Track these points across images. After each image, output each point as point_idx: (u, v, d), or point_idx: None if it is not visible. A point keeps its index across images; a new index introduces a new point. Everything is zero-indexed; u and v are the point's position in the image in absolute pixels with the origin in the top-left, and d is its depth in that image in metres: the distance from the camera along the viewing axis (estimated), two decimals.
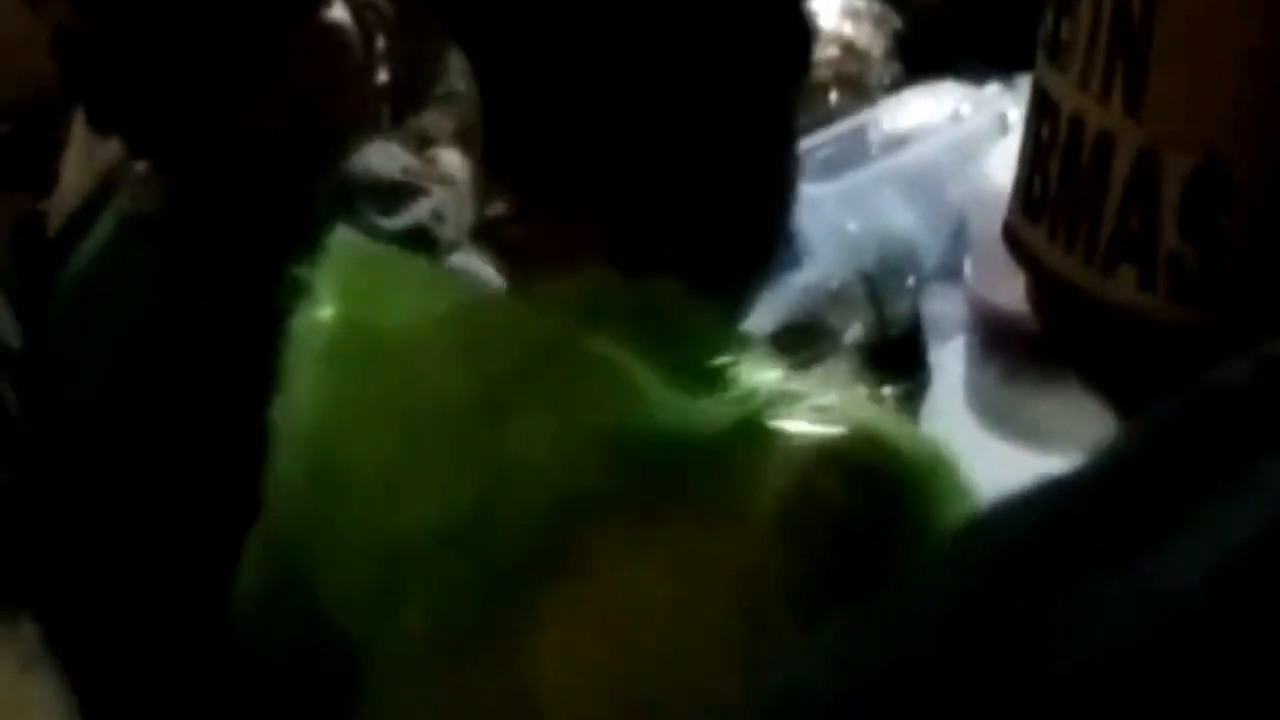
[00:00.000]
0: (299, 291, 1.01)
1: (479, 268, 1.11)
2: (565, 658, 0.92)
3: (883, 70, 1.83)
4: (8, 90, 1.90)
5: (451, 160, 1.62)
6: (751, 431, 0.89)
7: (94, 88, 1.33)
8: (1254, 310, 0.71)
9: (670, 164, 0.97)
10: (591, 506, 0.90)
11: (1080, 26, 0.75)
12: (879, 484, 0.88)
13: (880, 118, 1.73)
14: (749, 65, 0.99)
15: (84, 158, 1.56)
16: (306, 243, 1.30)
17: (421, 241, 1.34)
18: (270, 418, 1.03)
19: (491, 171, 1.02)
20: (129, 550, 1.29)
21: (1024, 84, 0.93)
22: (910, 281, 1.52)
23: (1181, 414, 0.46)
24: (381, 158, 1.44)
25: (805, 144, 1.31)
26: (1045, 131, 0.77)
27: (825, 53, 1.75)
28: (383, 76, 1.37)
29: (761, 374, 0.92)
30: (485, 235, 1.15)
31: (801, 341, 1.39)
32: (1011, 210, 0.80)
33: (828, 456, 0.88)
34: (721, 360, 0.92)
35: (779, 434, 0.88)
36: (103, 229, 1.39)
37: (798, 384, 0.93)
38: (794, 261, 1.50)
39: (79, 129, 1.56)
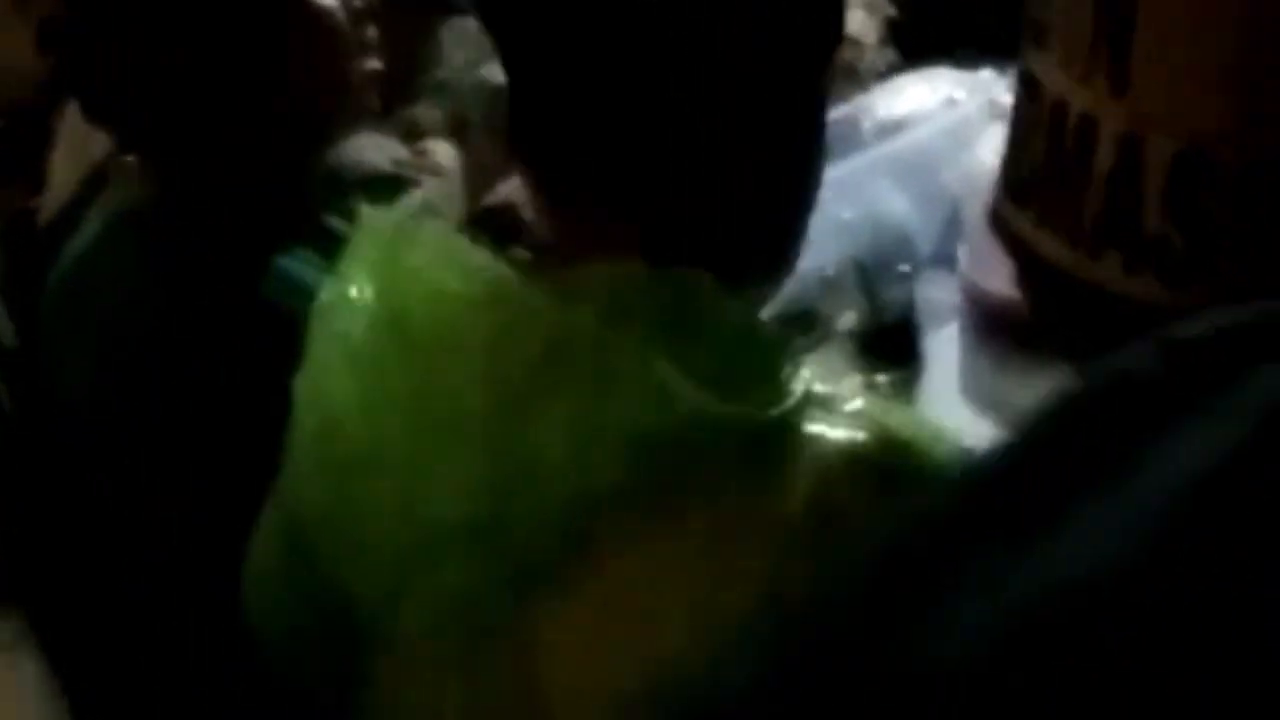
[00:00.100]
0: (328, 269, 1.00)
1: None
2: (576, 656, 0.91)
3: (876, 57, 1.83)
4: (2, 88, 1.90)
5: (442, 151, 1.62)
6: (776, 435, 0.88)
7: (86, 81, 1.33)
8: (1240, 292, 0.71)
9: (698, 155, 0.96)
10: (610, 505, 0.90)
11: (1064, 10, 0.74)
12: (904, 491, 0.87)
13: (874, 104, 1.71)
14: (776, 56, 0.98)
15: (72, 154, 1.56)
16: (297, 235, 1.30)
17: None
18: (289, 394, 1.02)
19: (519, 161, 1.01)
20: (121, 546, 1.29)
21: None
22: (904, 268, 1.51)
23: (1085, 398, 0.46)
24: (372, 149, 1.44)
25: None
26: (1030, 115, 0.77)
27: None
28: (372, 64, 1.37)
29: (790, 374, 0.91)
30: (483, 223, 1.14)
31: (794, 329, 1.39)
32: (997, 194, 0.80)
33: (852, 462, 0.88)
34: (750, 357, 0.91)
35: (803, 438, 0.88)
36: (92, 224, 1.39)
37: (826, 386, 0.92)
38: None
39: (67, 125, 1.56)
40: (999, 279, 1.18)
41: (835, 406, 0.90)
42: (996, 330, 1.46)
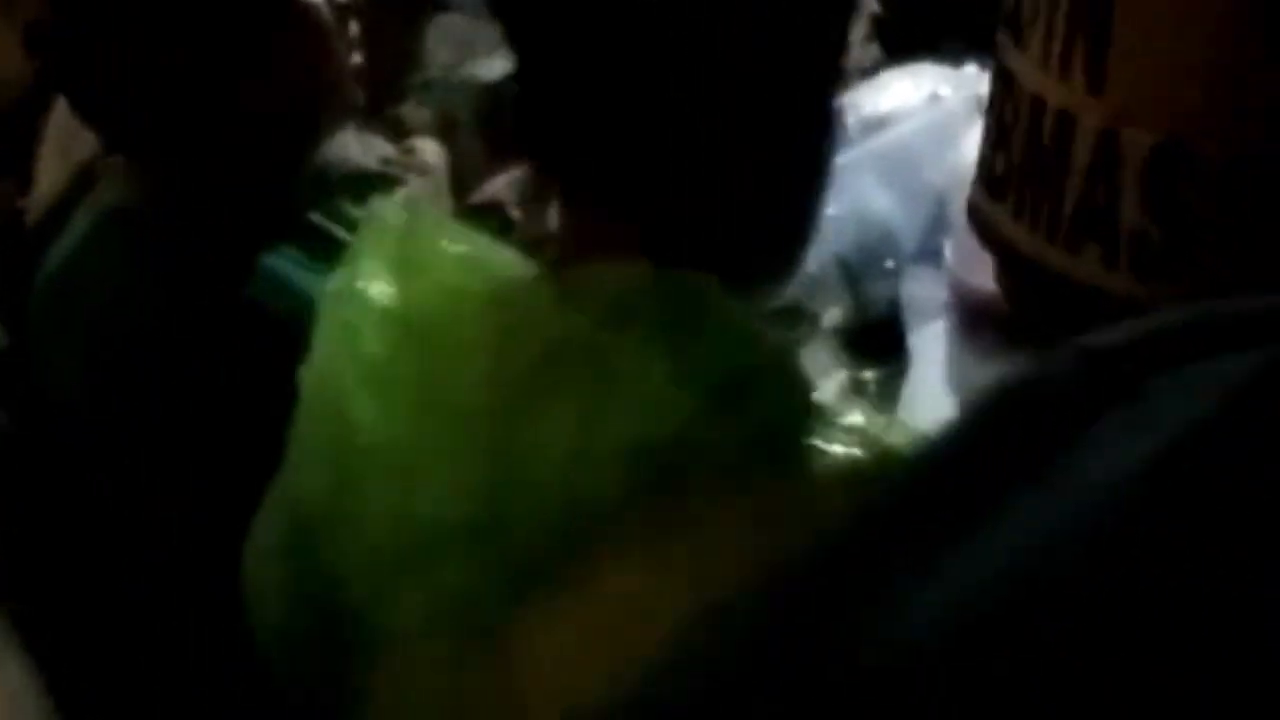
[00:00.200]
0: (341, 258, 1.00)
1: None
2: (559, 663, 0.91)
3: (860, 53, 1.83)
4: None
5: (429, 150, 1.62)
6: (772, 450, 0.88)
7: (73, 81, 1.34)
8: (1219, 287, 0.71)
9: (701, 156, 0.96)
10: (605, 513, 0.89)
11: (1041, 5, 0.75)
12: None
13: (858, 100, 1.72)
14: (780, 56, 0.97)
15: (60, 154, 1.56)
16: (284, 234, 1.30)
17: None
18: (295, 380, 1.02)
19: (526, 159, 1.01)
20: (114, 545, 1.29)
21: None
22: (889, 264, 1.52)
23: (999, 404, 0.46)
24: (359, 148, 1.44)
25: None
26: (1008, 110, 0.77)
27: None
28: (355, 59, 1.37)
29: (791, 378, 0.92)
30: (470, 222, 1.15)
31: (779, 326, 1.39)
32: (975, 189, 0.80)
33: (848, 480, 0.88)
34: (752, 360, 0.91)
35: (800, 454, 0.88)
36: (80, 224, 1.39)
37: (827, 400, 0.92)
38: None
39: (54, 126, 1.56)
40: (984, 274, 1.18)
41: (833, 419, 0.90)
42: (982, 325, 1.46)
